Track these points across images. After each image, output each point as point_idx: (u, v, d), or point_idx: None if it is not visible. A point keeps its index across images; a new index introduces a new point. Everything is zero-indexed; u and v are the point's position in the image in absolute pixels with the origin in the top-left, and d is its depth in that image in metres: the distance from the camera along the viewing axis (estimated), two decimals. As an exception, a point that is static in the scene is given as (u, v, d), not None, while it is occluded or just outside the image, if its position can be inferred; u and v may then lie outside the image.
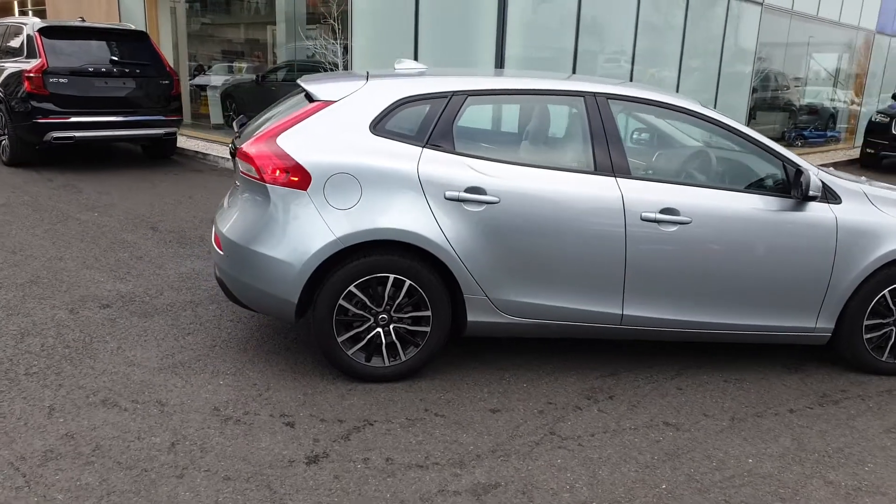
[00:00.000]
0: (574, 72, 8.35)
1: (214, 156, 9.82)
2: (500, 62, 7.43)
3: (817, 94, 14.40)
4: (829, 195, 3.64)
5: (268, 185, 3.30)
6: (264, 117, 3.74)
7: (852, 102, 15.34)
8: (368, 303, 3.38)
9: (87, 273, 4.91)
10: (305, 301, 3.41)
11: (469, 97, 3.49)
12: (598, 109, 3.54)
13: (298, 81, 3.77)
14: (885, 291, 3.74)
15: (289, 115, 3.44)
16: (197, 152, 10.15)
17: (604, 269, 3.48)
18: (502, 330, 3.57)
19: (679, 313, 3.60)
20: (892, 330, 3.83)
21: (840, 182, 3.74)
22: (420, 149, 3.38)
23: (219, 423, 3.09)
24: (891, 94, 13.25)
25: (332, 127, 3.37)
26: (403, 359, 3.50)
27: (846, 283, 3.67)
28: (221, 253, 3.50)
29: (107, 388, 3.33)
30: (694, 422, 3.33)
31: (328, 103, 3.42)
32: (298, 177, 3.28)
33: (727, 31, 10.21)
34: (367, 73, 3.75)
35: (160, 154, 9.99)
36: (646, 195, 3.47)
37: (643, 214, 3.45)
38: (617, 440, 3.13)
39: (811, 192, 3.48)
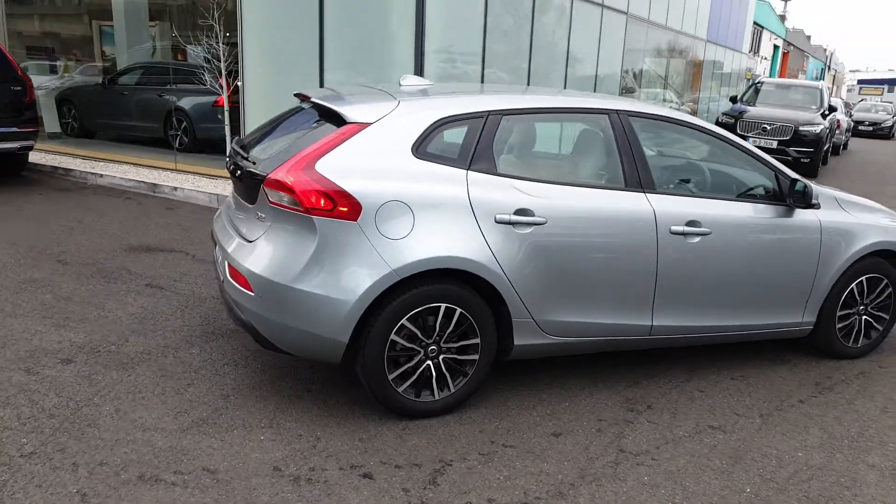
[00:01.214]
0: (482, 79, 8.43)
1: (81, 171, 8.75)
2: (419, 68, 7.32)
3: (656, 96, 15.72)
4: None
5: (313, 216, 3.01)
6: (282, 139, 3.40)
7: (687, 102, 16.95)
8: (420, 335, 3.20)
9: (14, 322, 4.17)
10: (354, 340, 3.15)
11: (504, 116, 3.41)
12: (622, 126, 3.61)
13: (315, 100, 3.46)
14: (853, 285, 4.18)
15: (321, 139, 3.15)
16: (56, 168, 8.99)
17: (638, 283, 3.56)
18: (545, 351, 3.54)
19: (698, 319, 3.78)
20: (856, 319, 4.30)
21: (817, 188, 4.11)
22: (465, 171, 3.25)
23: (289, 484, 2.77)
24: (728, 97, 14.81)
25: (372, 151, 3.14)
26: (453, 390, 3.35)
27: (827, 279, 4.06)
28: (251, 294, 3.13)
29: (134, 460, 2.86)
30: (733, 422, 3.51)
31: (364, 125, 3.18)
32: (348, 206, 3.02)
33: (602, 38, 10.85)
34: (386, 90, 3.54)
35: (9, 171, 8.71)
36: (672, 209, 3.59)
37: (672, 228, 3.57)
38: (682, 449, 3.23)
39: (813, 201, 3.80)
